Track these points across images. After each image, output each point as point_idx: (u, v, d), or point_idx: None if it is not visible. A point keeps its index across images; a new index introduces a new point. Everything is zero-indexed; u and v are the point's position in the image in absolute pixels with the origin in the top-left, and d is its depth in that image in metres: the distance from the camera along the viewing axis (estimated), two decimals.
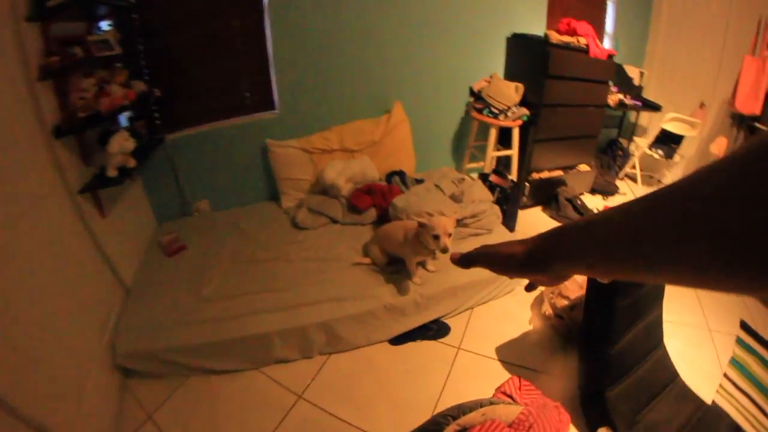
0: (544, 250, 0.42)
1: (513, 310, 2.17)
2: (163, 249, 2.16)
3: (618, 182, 3.49)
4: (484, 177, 2.77)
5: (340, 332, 1.81)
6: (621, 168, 3.55)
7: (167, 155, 2.41)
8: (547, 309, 2.06)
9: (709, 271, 0.23)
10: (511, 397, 1.70)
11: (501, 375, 1.82)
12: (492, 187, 2.65)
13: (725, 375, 1.96)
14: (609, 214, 0.32)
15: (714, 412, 1.69)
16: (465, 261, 0.50)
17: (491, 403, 1.50)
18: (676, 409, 1.62)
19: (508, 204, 2.57)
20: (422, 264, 2.06)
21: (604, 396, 1.53)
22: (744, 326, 2.09)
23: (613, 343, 1.56)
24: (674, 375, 1.78)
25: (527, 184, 3.00)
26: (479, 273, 2.09)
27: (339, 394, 1.70)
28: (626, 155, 3.54)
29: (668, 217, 0.25)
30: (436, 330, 1.97)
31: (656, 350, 1.78)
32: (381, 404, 1.67)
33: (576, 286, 2.11)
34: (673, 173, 3.53)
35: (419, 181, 2.67)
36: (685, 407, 1.64)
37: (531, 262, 0.43)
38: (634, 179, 3.57)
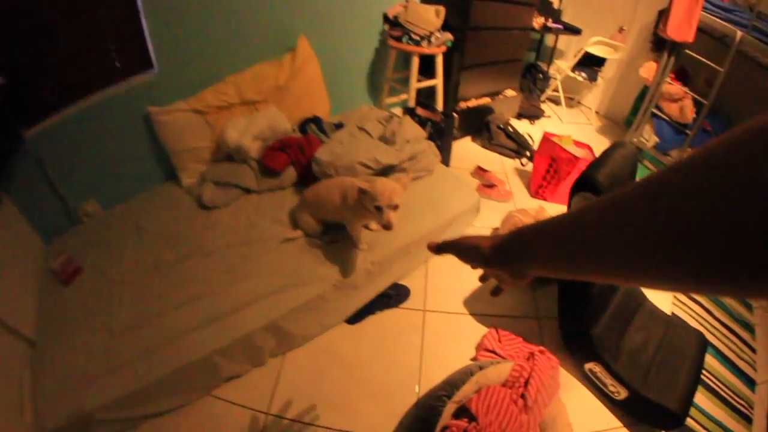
0: (506, 247, 0.44)
1: None
2: (58, 277, 1.61)
3: (542, 106, 3.44)
4: (410, 112, 2.47)
5: (290, 329, 1.49)
6: (542, 91, 3.52)
7: (32, 156, 1.71)
8: None
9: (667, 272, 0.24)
10: (494, 352, 1.56)
11: (477, 330, 1.70)
12: (422, 122, 2.37)
13: None
14: (565, 217, 0.35)
15: (681, 325, 1.74)
16: (438, 249, 0.54)
17: (480, 368, 1.35)
18: (648, 330, 1.63)
19: (443, 138, 2.30)
20: (365, 225, 1.70)
21: (590, 334, 1.48)
22: None
23: (593, 283, 1.48)
24: (642, 299, 1.80)
25: (455, 114, 2.75)
26: (431, 223, 1.81)
27: (308, 397, 1.43)
28: (546, 78, 3.47)
29: (621, 223, 0.26)
30: (395, 295, 1.69)
31: None
32: (359, 396, 1.45)
33: (537, 212, 1.95)
34: (594, 95, 3.60)
35: (339, 126, 2.29)
36: (657, 326, 1.66)
37: (494, 257, 0.45)
38: (556, 102, 3.57)
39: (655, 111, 2.77)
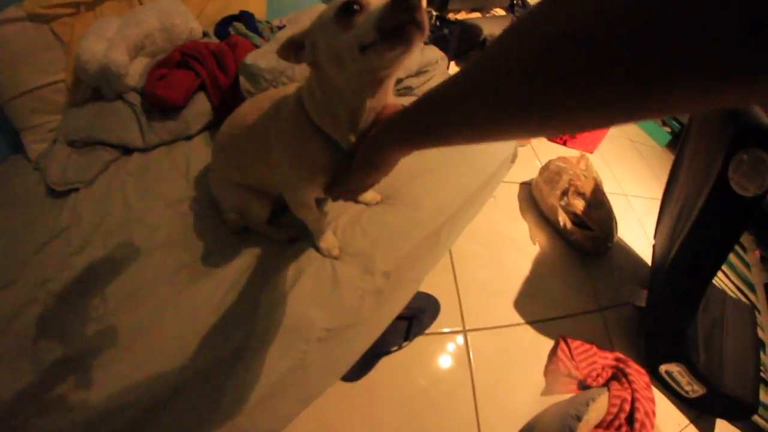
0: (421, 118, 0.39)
1: (503, 226, 1.42)
2: None
3: None
4: None
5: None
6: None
7: None
8: (565, 220, 1.37)
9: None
10: (569, 375, 1.16)
11: (537, 344, 1.23)
12: None
13: None
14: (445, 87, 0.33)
15: (731, 299, 1.59)
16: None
17: (578, 419, 0.97)
18: (711, 310, 1.44)
19: (446, 52, 1.57)
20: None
21: (684, 334, 1.24)
22: None
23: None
24: None
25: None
26: (465, 185, 1.14)
27: None
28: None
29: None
30: (419, 314, 1.06)
31: None
32: None
33: (585, 178, 1.45)
34: None
35: (282, 29, 1.34)
36: (715, 303, 1.49)
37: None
38: None
39: None
